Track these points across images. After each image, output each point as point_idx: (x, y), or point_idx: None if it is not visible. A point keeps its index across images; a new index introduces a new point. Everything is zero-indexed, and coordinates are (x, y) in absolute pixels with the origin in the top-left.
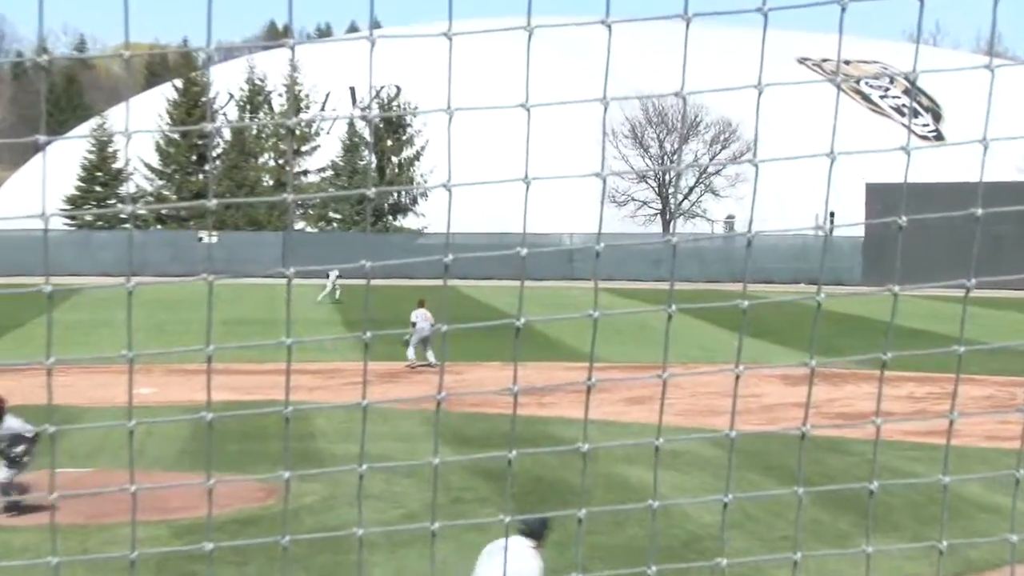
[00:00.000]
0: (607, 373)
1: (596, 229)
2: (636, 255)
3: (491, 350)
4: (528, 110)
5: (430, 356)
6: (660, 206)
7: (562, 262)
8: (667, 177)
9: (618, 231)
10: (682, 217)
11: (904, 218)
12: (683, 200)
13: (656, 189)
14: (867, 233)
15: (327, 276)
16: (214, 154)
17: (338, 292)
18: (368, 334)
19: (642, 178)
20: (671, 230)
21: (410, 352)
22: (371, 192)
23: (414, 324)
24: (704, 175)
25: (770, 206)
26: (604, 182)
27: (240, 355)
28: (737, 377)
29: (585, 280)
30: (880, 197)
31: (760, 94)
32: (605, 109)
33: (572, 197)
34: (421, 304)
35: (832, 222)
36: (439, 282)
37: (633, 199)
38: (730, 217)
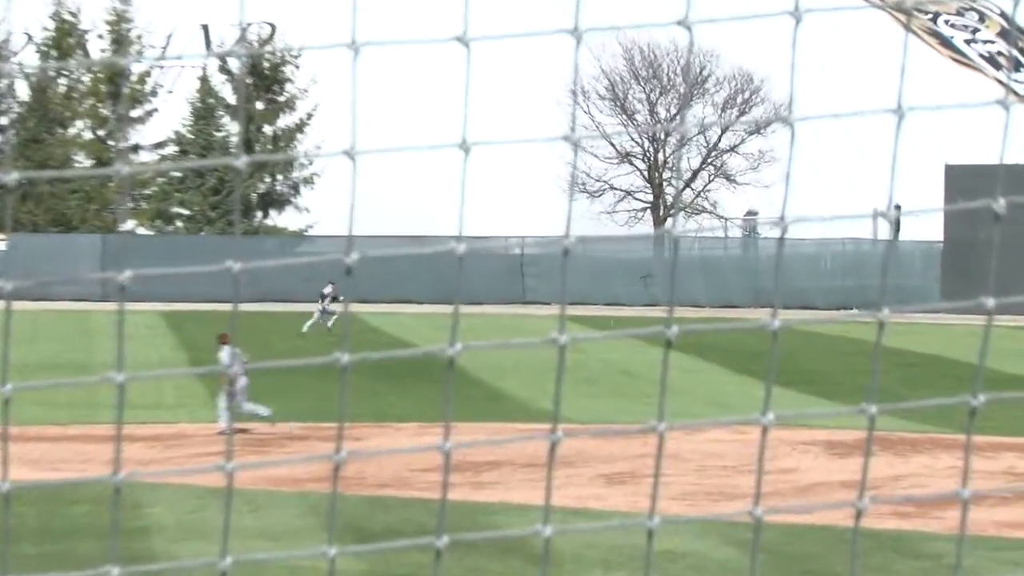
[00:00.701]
0: (578, 442)
1: (554, 233)
2: (616, 268)
3: (407, 407)
4: (467, 45)
5: (256, 409)
6: (651, 197)
7: (510, 278)
8: (661, 153)
9: (592, 232)
10: (683, 213)
11: (1002, 201)
12: (684, 188)
13: (645, 173)
14: (948, 237)
15: (322, 297)
16: (4, 121)
17: (332, 320)
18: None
19: (625, 157)
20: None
21: (222, 412)
22: (241, 162)
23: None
24: (714, 152)
25: (809, 197)
26: (575, 150)
27: (41, 415)
28: (764, 431)
29: (543, 304)
30: (964, 182)
31: (798, 23)
32: (577, 43)
33: (525, 187)
34: (224, 340)
35: (899, 216)
36: (330, 306)
37: (612, 187)
38: (751, 213)
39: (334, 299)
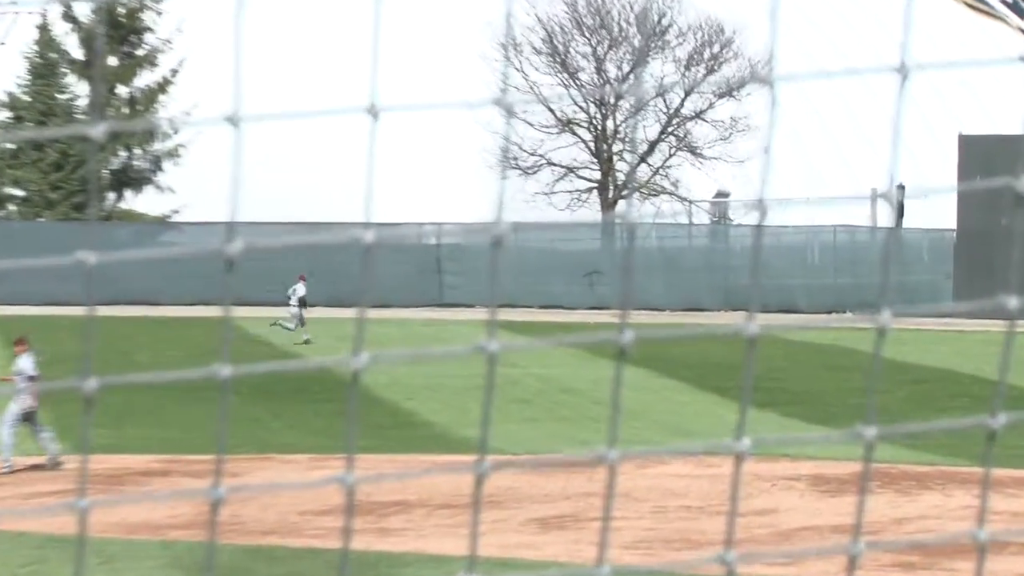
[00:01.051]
0: (508, 477)
1: (478, 218)
2: (556, 263)
3: (296, 435)
4: None
5: (47, 446)
6: (599, 175)
7: (424, 275)
8: (611, 121)
9: (526, 218)
10: (639, 194)
11: None
12: (640, 163)
13: (591, 145)
14: (962, 224)
15: (289, 298)
16: None
17: (297, 326)
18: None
19: (566, 125)
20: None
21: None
22: (97, 131)
23: (29, 378)
24: (676, 120)
25: (793, 175)
26: (506, 117)
27: None
28: (737, 461)
29: (464, 307)
30: (983, 156)
31: None
32: None
33: (443, 163)
34: (21, 344)
35: (903, 198)
36: (199, 311)
37: (551, 163)
38: (722, 195)
39: (302, 302)
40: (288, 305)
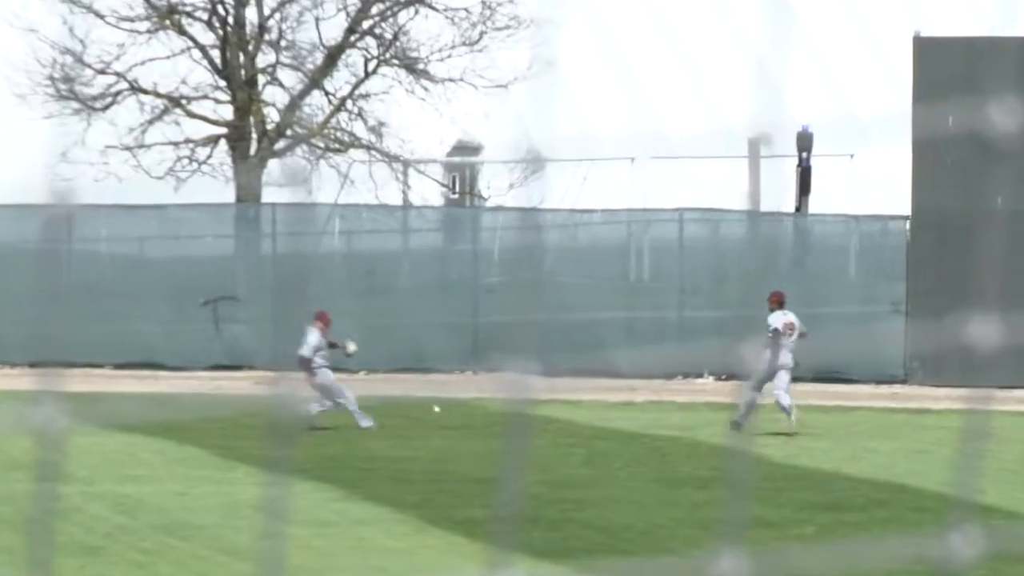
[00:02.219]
0: None
1: None
2: (144, 281)
3: None
4: None
5: None
6: (232, 112)
7: None
8: (254, 12)
9: (85, 199)
10: (311, 148)
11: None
12: (308, 90)
13: (215, 57)
14: (920, 208)
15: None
16: None
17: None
18: None
19: (168, 17)
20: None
21: None
22: None
23: None
24: (377, 15)
25: (610, 112)
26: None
27: None
28: None
29: None
30: (946, 63)
31: None
32: None
33: None
34: None
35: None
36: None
37: (140, 90)
38: (466, 148)
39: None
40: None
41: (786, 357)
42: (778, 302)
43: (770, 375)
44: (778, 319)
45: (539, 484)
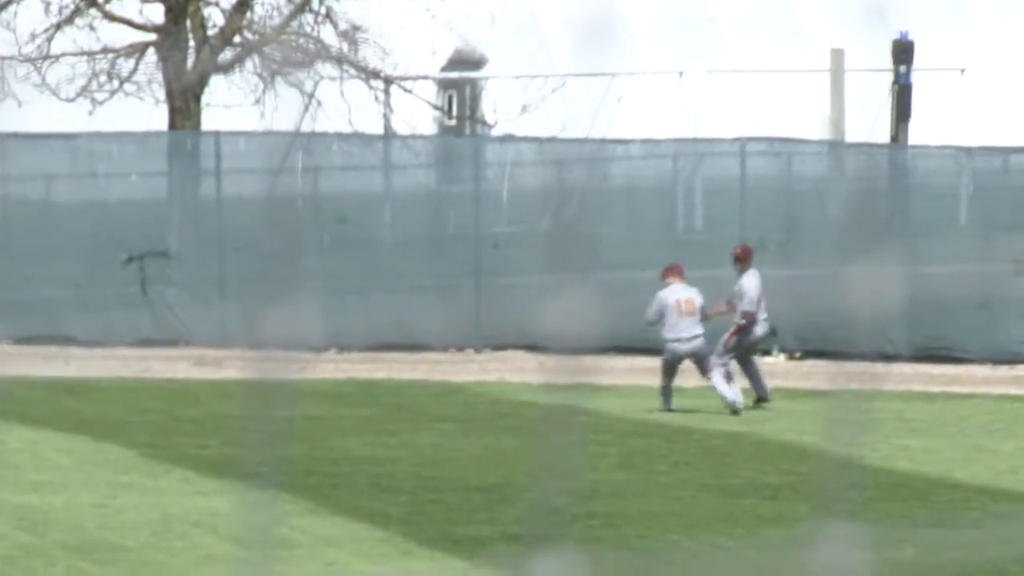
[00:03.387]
0: None
1: None
2: (63, 236)
3: None
4: None
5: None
6: (163, 14)
7: None
8: None
9: None
10: (269, 63)
11: None
12: None
13: None
14: None
15: None
16: None
17: None
18: None
19: None
20: None
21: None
22: None
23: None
24: None
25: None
26: None
27: None
28: None
29: None
30: None
31: None
32: None
33: None
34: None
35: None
36: None
37: None
38: (463, 60)
39: None
40: None
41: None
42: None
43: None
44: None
45: (561, 494)
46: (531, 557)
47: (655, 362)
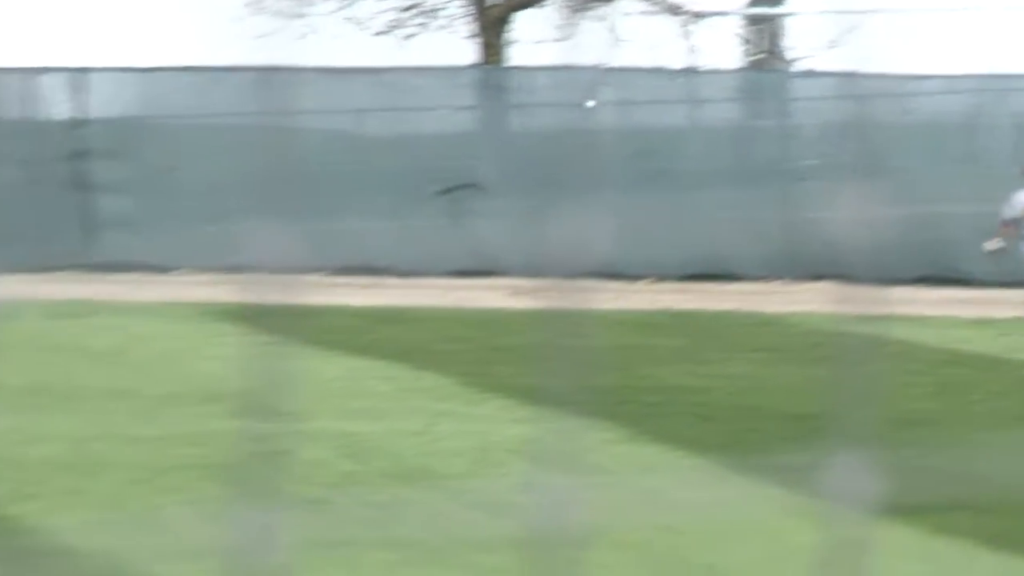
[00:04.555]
0: None
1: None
2: (374, 167)
3: None
4: None
5: None
6: None
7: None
8: None
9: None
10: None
11: None
12: None
13: None
14: None
15: None
16: None
17: None
18: None
19: None
20: None
21: None
22: None
23: None
24: None
25: None
26: None
27: None
28: None
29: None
30: None
31: None
32: None
33: None
34: None
35: None
36: None
37: None
38: None
39: None
40: None
41: None
42: None
43: None
44: None
45: (873, 422)
46: (844, 482)
47: (966, 293)
